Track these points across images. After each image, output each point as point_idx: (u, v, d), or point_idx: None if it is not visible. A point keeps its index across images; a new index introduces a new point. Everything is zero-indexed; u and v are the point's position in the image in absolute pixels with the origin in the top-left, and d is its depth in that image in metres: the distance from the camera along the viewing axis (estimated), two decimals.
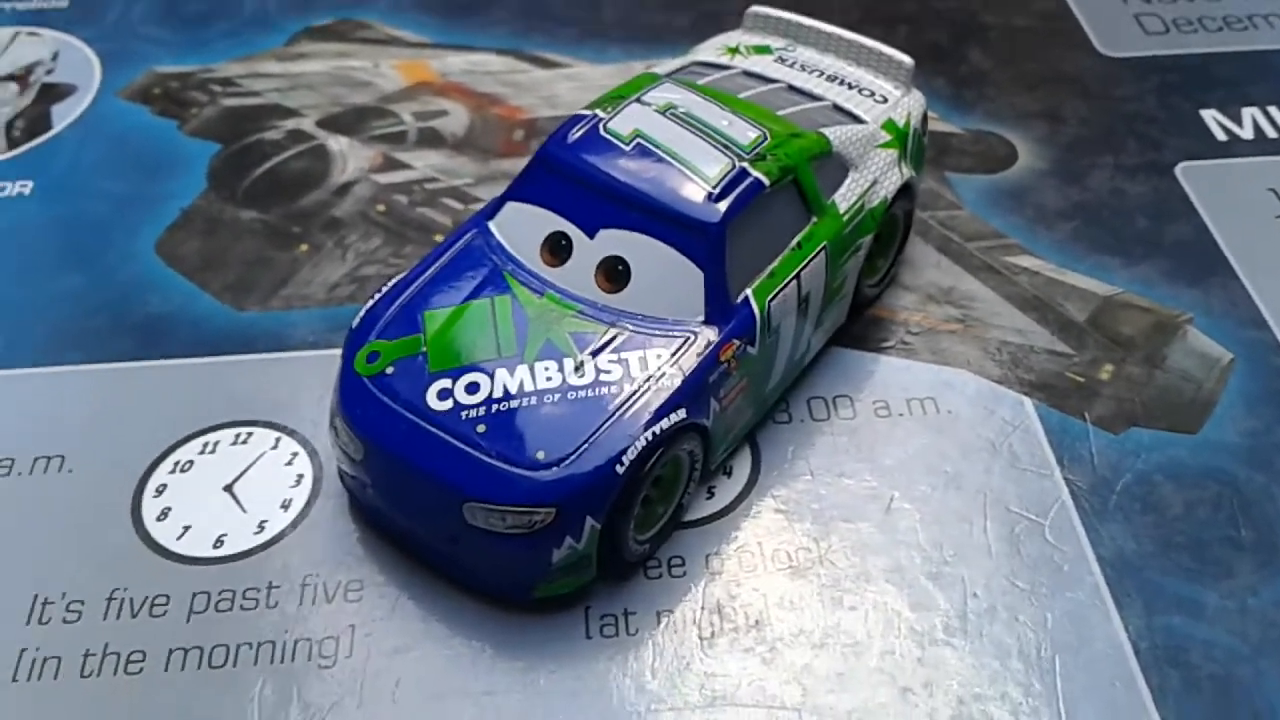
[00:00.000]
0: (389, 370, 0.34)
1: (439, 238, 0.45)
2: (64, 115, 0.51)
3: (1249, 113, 0.51)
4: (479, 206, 0.45)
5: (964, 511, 0.36)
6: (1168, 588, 0.34)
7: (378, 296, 0.36)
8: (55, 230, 0.46)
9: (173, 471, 0.37)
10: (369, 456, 0.33)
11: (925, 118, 0.42)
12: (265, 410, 0.39)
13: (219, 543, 0.35)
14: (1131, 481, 0.37)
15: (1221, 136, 0.49)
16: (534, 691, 0.32)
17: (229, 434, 0.38)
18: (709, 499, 0.36)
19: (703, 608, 0.34)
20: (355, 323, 0.35)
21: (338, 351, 0.38)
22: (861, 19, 0.55)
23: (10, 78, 0.53)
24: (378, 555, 0.35)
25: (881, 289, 0.42)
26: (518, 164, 0.48)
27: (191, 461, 0.37)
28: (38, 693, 0.32)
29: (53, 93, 0.52)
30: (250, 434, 0.38)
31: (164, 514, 0.36)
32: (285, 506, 0.36)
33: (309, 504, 0.36)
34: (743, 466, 0.37)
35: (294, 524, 0.36)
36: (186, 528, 0.36)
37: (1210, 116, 0.50)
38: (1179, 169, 0.48)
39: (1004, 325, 0.41)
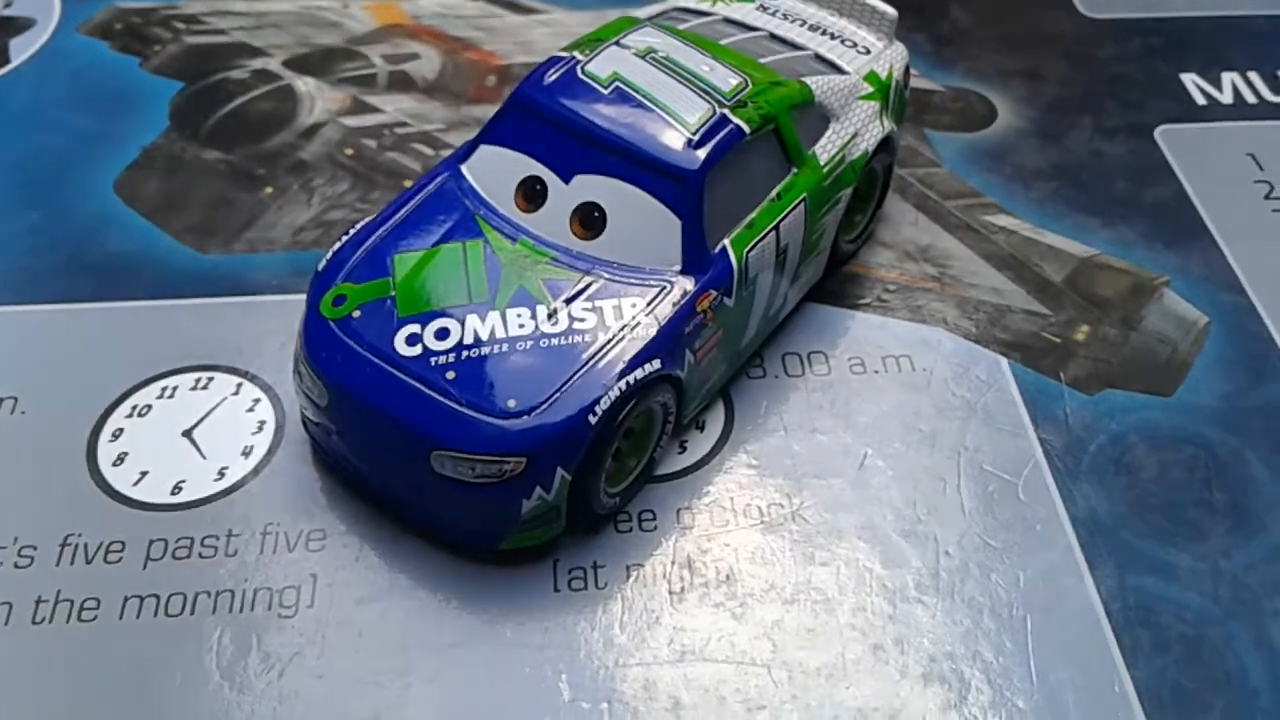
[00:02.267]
0: (356, 314, 0.33)
1: (408, 183, 0.44)
2: (22, 49, 0.50)
3: (1229, 77, 0.50)
4: (449, 153, 0.45)
5: (938, 470, 0.35)
6: (1140, 549, 0.34)
7: (345, 239, 0.35)
8: (11, 167, 0.44)
9: (130, 416, 0.36)
10: (334, 402, 0.32)
11: (907, 71, 0.41)
12: (227, 355, 0.38)
13: (177, 489, 0.34)
14: (1106, 443, 0.36)
15: (1201, 100, 0.49)
16: (500, 644, 0.31)
17: (189, 379, 0.37)
18: (681, 453, 0.36)
19: (673, 562, 0.33)
20: (321, 265, 0.34)
21: (303, 296, 0.37)
22: None
23: None
24: (341, 504, 0.34)
25: (859, 245, 0.42)
26: (490, 110, 0.47)
27: (150, 406, 0.36)
28: None
29: (11, 26, 0.51)
30: (211, 379, 0.37)
31: (120, 459, 0.35)
32: (246, 453, 0.35)
33: (271, 451, 0.35)
34: (715, 421, 0.37)
35: (255, 471, 0.35)
36: (144, 473, 0.35)
37: (1190, 80, 0.50)
38: (1158, 132, 0.47)
39: (981, 284, 0.41)
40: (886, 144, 0.40)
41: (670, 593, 0.32)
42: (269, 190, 0.43)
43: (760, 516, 0.34)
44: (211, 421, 0.36)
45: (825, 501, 0.34)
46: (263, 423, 0.36)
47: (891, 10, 0.41)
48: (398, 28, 0.51)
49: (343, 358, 0.32)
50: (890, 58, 0.40)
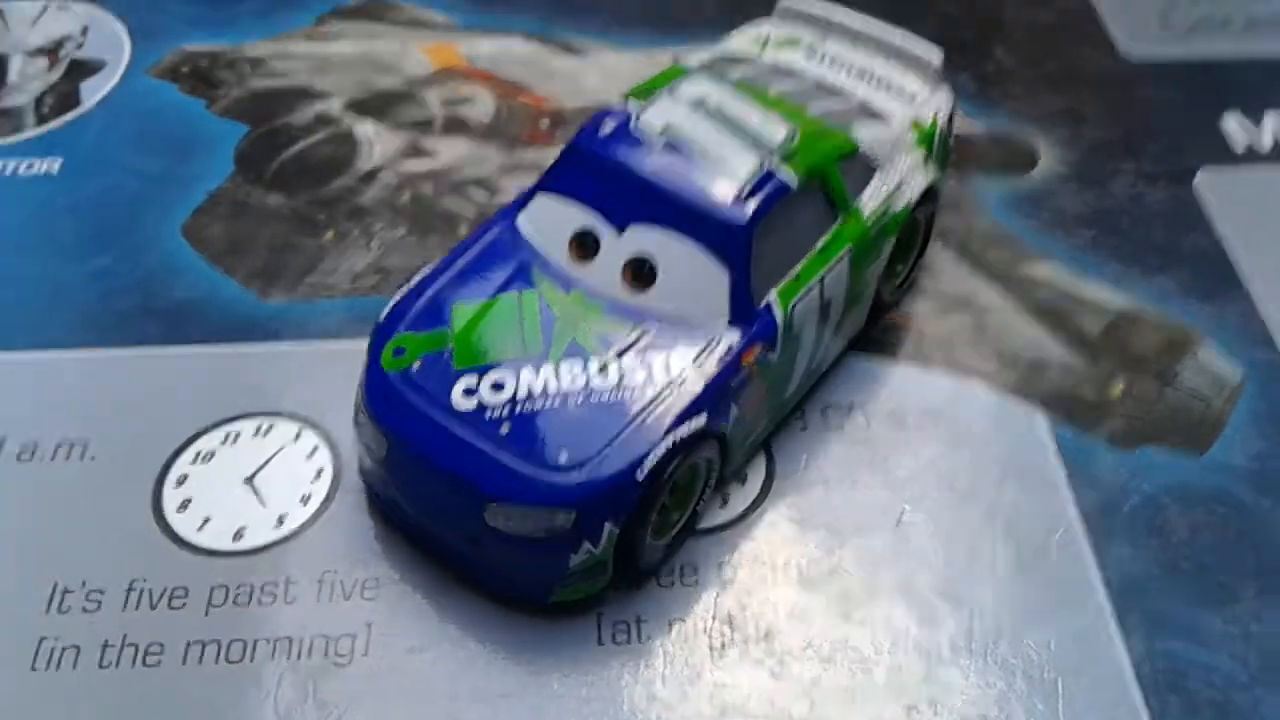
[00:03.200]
0: (415, 366, 0.34)
1: (464, 229, 0.45)
2: (93, 92, 0.51)
3: (1270, 122, 0.50)
4: (504, 198, 0.46)
5: (974, 526, 0.36)
6: (1171, 612, 0.34)
7: (405, 289, 0.36)
8: (83, 210, 0.46)
9: (194, 462, 0.38)
10: (392, 452, 0.34)
11: (952, 117, 0.42)
12: (287, 402, 0.39)
13: (239, 535, 0.36)
14: (1139, 502, 0.37)
15: (1241, 146, 0.49)
16: (547, 695, 0.33)
17: (251, 425, 0.39)
18: (722, 507, 0.37)
19: (714, 617, 0.34)
20: (382, 316, 0.36)
21: (362, 344, 0.38)
22: (886, 12, 0.55)
23: (40, 52, 0.53)
24: (395, 553, 0.36)
25: (900, 295, 0.42)
26: (543, 153, 0.48)
27: (213, 452, 0.38)
28: (56, 682, 0.33)
29: (82, 68, 0.52)
30: (272, 426, 0.39)
31: (184, 505, 0.37)
32: (305, 501, 0.37)
33: (328, 499, 0.37)
34: (757, 473, 0.38)
35: (313, 519, 0.36)
36: (207, 519, 0.36)
37: (1231, 124, 0.50)
38: (1198, 177, 0.48)
39: (1019, 336, 0.42)
40: (930, 193, 0.40)
41: (711, 649, 0.34)
42: (330, 235, 0.45)
43: (800, 573, 0.35)
44: (272, 468, 0.38)
45: (863, 558, 0.35)
46: (320, 470, 0.38)
47: (937, 56, 0.42)
48: (454, 70, 0.52)
49: (402, 410, 0.33)
50: (935, 104, 0.41)
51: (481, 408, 0.33)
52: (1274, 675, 0.33)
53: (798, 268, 0.36)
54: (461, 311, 0.35)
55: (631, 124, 0.37)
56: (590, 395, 0.33)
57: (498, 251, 0.36)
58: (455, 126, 0.50)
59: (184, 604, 0.34)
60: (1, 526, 0.36)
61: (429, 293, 0.36)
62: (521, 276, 0.36)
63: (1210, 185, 0.47)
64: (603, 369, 0.33)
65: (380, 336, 0.35)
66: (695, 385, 0.33)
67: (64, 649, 0.33)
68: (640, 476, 0.32)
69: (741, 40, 0.43)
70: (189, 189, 0.47)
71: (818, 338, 0.37)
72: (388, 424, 0.33)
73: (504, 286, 0.35)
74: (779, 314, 0.35)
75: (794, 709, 0.32)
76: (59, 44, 0.54)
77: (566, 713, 0.32)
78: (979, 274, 0.44)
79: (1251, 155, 0.49)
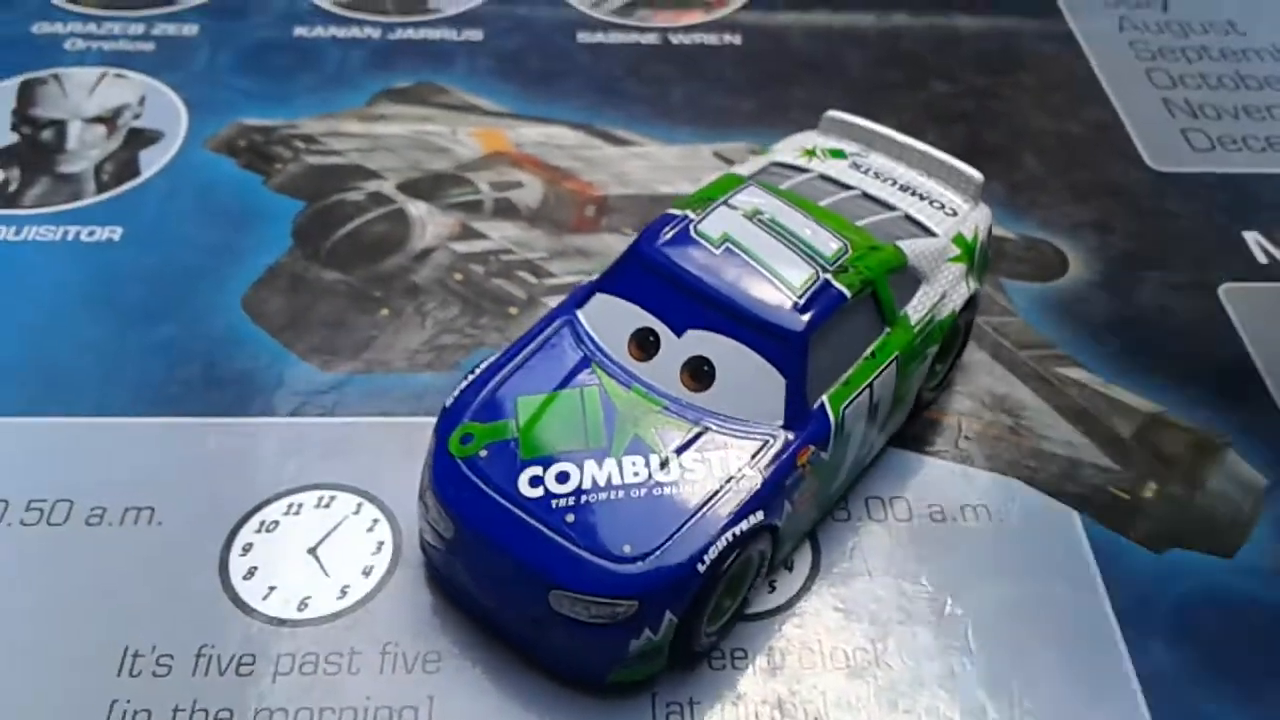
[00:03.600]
0: (482, 454, 0.35)
1: (513, 310, 0.47)
2: (151, 162, 0.53)
3: None
4: (552, 282, 0.48)
5: (1013, 619, 0.38)
6: (1204, 711, 0.36)
7: (471, 378, 0.37)
8: (144, 278, 0.47)
9: (259, 531, 0.39)
10: (459, 535, 0.35)
11: (990, 231, 0.44)
12: (348, 475, 0.40)
13: (303, 605, 0.37)
14: (1172, 602, 0.38)
15: (1263, 259, 0.51)
16: None
17: (312, 496, 0.40)
18: (771, 592, 0.38)
19: (764, 702, 0.35)
20: (449, 402, 0.37)
21: (419, 420, 0.40)
22: (920, 116, 0.57)
23: (98, 119, 0.55)
24: (455, 628, 0.37)
25: (938, 393, 0.44)
26: (590, 240, 0.50)
27: (277, 522, 0.39)
28: None
29: (140, 138, 0.54)
30: (334, 498, 0.40)
31: (250, 573, 0.38)
32: (366, 573, 0.38)
33: (389, 572, 0.38)
34: (803, 562, 0.39)
35: (375, 591, 0.37)
36: (272, 588, 0.37)
37: (1253, 239, 0.52)
38: (1222, 289, 0.50)
39: (1054, 437, 0.43)
40: (970, 301, 0.42)
41: None
42: (385, 312, 0.46)
43: (846, 661, 0.36)
44: (334, 540, 0.39)
45: (908, 648, 0.37)
46: (381, 543, 0.39)
47: (977, 175, 0.43)
48: (502, 155, 0.54)
49: (470, 495, 0.35)
50: (976, 220, 0.43)
51: (548, 496, 0.34)
52: None
53: (849, 373, 0.38)
54: (526, 404, 0.36)
55: (691, 231, 0.38)
56: (653, 489, 0.34)
57: (559, 346, 0.38)
58: (505, 210, 0.51)
59: (251, 671, 0.35)
60: (73, 588, 0.37)
61: (493, 383, 0.37)
62: (582, 371, 0.37)
63: (1235, 296, 0.49)
64: (664, 464, 0.35)
65: (447, 423, 0.36)
66: (753, 483, 0.34)
67: (135, 713, 0.34)
68: (701, 569, 0.33)
69: (789, 149, 0.44)
70: (247, 262, 0.48)
71: (865, 436, 0.39)
72: (455, 508, 0.35)
73: (566, 381, 0.37)
74: (831, 417, 0.36)
75: None
76: (117, 112, 0.55)
77: None
78: (1013, 375, 0.46)
79: (1274, 267, 0.51)
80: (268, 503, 0.40)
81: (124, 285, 0.47)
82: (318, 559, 0.38)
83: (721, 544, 0.33)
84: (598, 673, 0.35)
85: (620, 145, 0.55)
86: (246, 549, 0.38)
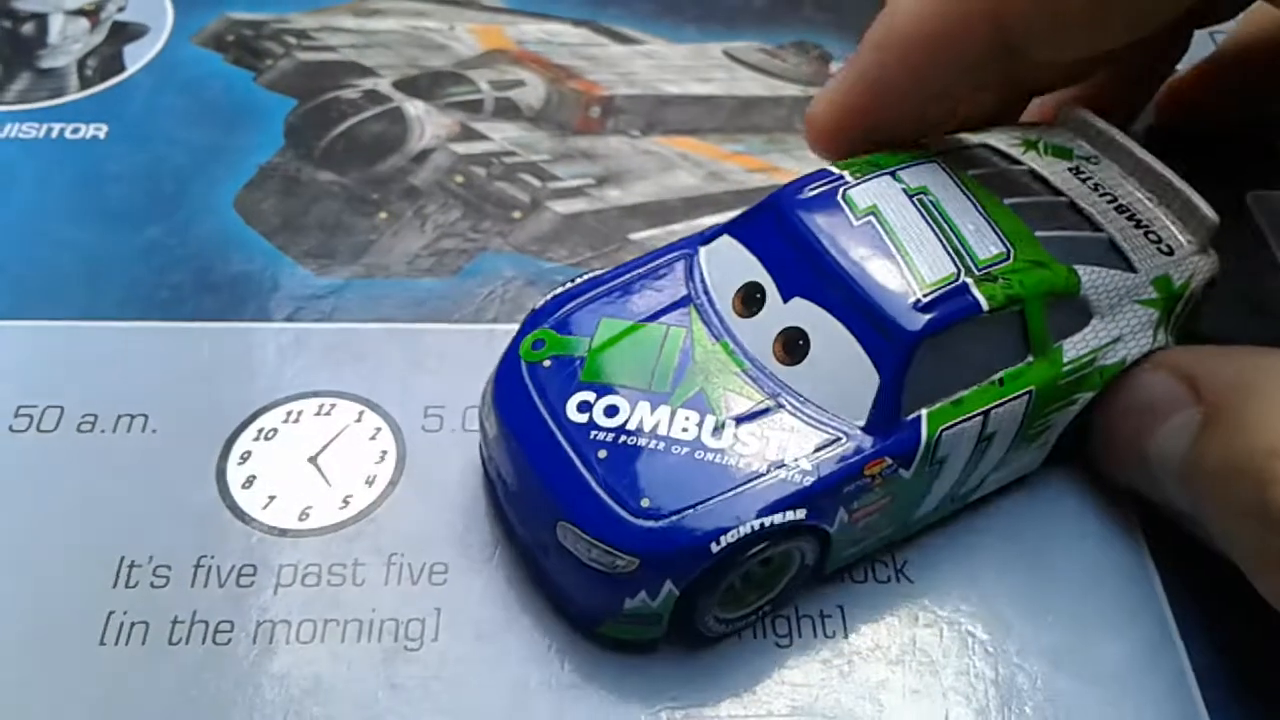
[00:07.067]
0: (547, 363, 0.34)
1: (517, 214, 0.45)
2: (137, 57, 0.51)
3: None
4: (556, 185, 0.46)
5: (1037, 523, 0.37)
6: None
7: (569, 285, 0.35)
8: (130, 180, 0.45)
9: (257, 439, 0.37)
10: (498, 435, 0.34)
11: (1211, 284, 0.37)
12: (348, 382, 0.39)
13: (304, 515, 0.36)
14: None
15: None
16: (613, 686, 0.33)
17: (312, 404, 0.38)
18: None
19: (779, 615, 0.34)
20: (538, 304, 0.35)
21: (418, 326, 0.39)
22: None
23: (80, 12, 0.53)
24: (463, 539, 0.36)
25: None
26: (595, 142, 0.48)
27: (275, 430, 0.38)
28: (125, 657, 0.33)
29: (124, 32, 0.52)
30: (334, 405, 0.38)
31: (249, 481, 0.36)
32: (370, 483, 0.37)
33: (393, 482, 0.37)
34: None
35: (379, 501, 0.36)
36: (272, 498, 0.36)
37: None
38: None
39: None
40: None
41: (778, 647, 0.34)
42: (383, 215, 0.45)
43: (868, 574, 0.35)
44: (335, 448, 0.37)
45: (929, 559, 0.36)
46: (385, 452, 0.37)
47: (1213, 215, 0.37)
48: (502, 52, 0.52)
49: (519, 400, 0.33)
50: (1194, 266, 0.37)
51: (590, 425, 0.32)
52: None
53: (964, 393, 0.33)
54: (608, 326, 0.34)
55: (839, 194, 0.34)
56: (695, 451, 0.32)
57: (667, 277, 0.35)
58: (506, 110, 0.49)
59: (252, 582, 0.34)
60: (66, 497, 0.36)
61: (586, 296, 0.35)
62: (678, 310, 0.35)
63: None
64: (718, 429, 0.32)
65: (529, 323, 0.35)
66: (804, 477, 0.31)
67: (133, 624, 0.33)
68: (715, 549, 0.30)
69: (1010, 133, 0.39)
70: (238, 162, 0.46)
71: (969, 468, 0.34)
72: (502, 409, 0.33)
73: (658, 315, 0.34)
74: (924, 434, 0.32)
75: (860, 710, 0.33)
76: (99, 5, 0.53)
77: (637, 708, 0.32)
78: None
79: None
80: (266, 410, 0.38)
81: (111, 185, 0.45)
82: (319, 468, 0.37)
83: (746, 530, 0.30)
84: (590, 620, 0.33)
85: (626, 43, 0.53)
86: (245, 457, 0.37)
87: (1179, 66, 0.50)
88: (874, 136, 0.37)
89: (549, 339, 0.34)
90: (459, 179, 0.46)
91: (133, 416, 0.38)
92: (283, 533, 0.35)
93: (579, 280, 0.36)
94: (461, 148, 0.47)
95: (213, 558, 0.35)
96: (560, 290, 0.35)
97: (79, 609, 0.33)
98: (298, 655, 0.33)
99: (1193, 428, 0.33)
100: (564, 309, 0.35)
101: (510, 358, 0.34)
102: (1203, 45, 0.52)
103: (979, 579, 0.35)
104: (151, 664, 0.33)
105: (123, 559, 0.35)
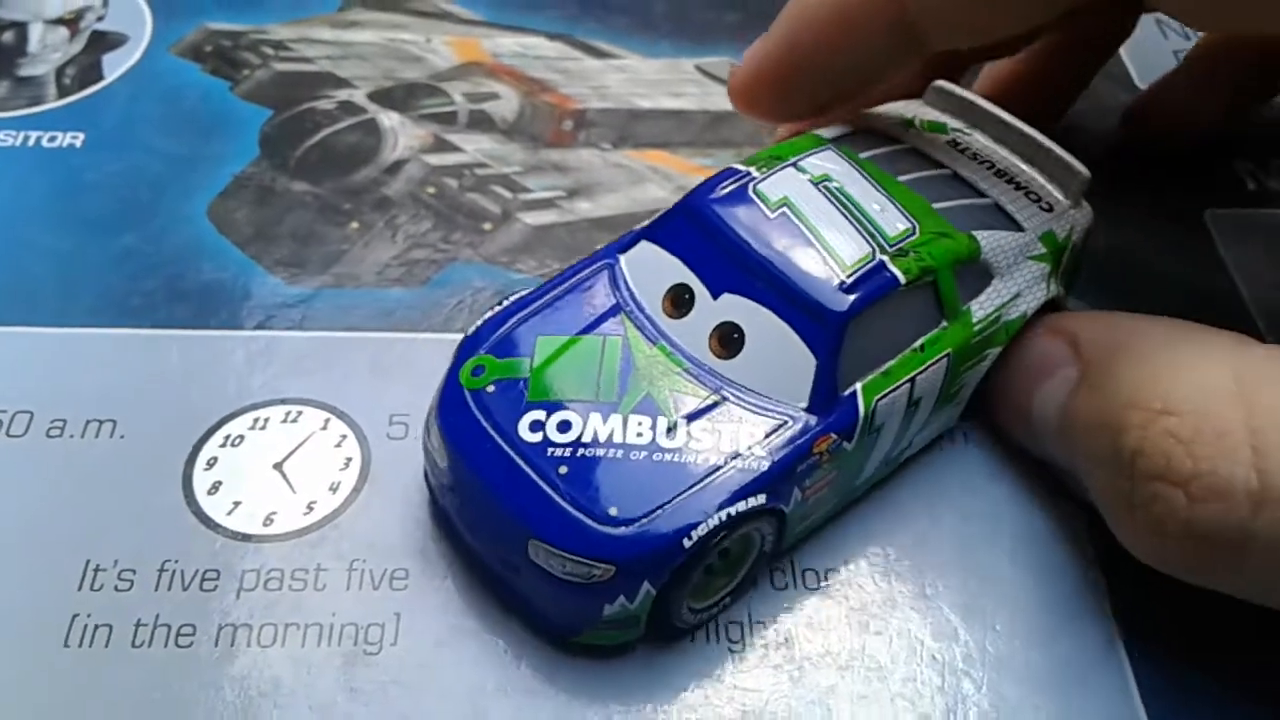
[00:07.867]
0: (490, 388, 0.34)
1: (487, 225, 0.46)
2: (115, 66, 0.51)
3: None
4: (527, 197, 0.47)
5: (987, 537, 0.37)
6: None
7: (498, 308, 0.36)
8: (106, 187, 0.46)
9: (223, 445, 0.38)
10: (451, 467, 0.34)
11: (1088, 234, 0.40)
12: (315, 390, 0.40)
13: (269, 520, 0.36)
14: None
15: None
16: (571, 690, 0.33)
17: (279, 411, 0.39)
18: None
19: (733, 621, 0.35)
20: (471, 330, 0.36)
21: (387, 335, 0.39)
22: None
23: (60, 21, 0.53)
24: (424, 546, 0.36)
25: None
26: (566, 154, 0.49)
27: (242, 436, 0.38)
28: (89, 659, 0.33)
29: (103, 41, 0.52)
30: (300, 413, 0.39)
31: (215, 487, 0.37)
32: (333, 489, 0.37)
33: (356, 489, 0.37)
34: None
35: (342, 507, 0.37)
36: (237, 503, 0.37)
37: None
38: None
39: None
40: (1051, 307, 0.38)
41: (731, 653, 0.34)
42: (355, 225, 0.45)
43: (818, 581, 0.36)
44: (301, 455, 0.38)
45: (880, 570, 0.36)
46: (349, 459, 0.38)
47: (1085, 171, 0.38)
48: (478, 65, 0.53)
49: (469, 429, 0.34)
50: (1073, 220, 0.39)
51: (545, 443, 0.33)
52: None
53: (890, 363, 0.35)
54: (545, 344, 0.35)
55: (750, 190, 0.36)
56: (653, 454, 0.32)
57: (593, 289, 0.36)
58: (479, 122, 0.50)
59: (215, 586, 0.35)
60: (33, 500, 0.36)
61: (517, 317, 0.36)
62: (610, 319, 0.35)
63: None
64: (671, 429, 0.33)
65: (463, 351, 0.35)
66: (760, 464, 0.32)
67: (96, 627, 0.34)
68: (687, 544, 0.31)
69: (886, 116, 0.41)
70: (213, 171, 0.47)
71: (900, 432, 0.36)
72: (452, 439, 0.34)
73: (591, 326, 0.35)
74: (861, 407, 0.34)
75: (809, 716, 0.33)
76: (79, 14, 0.54)
77: (593, 712, 0.33)
78: None
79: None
80: (233, 416, 0.39)
81: (86, 193, 0.46)
82: (284, 474, 0.38)
83: (713, 522, 0.32)
84: (568, 631, 0.34)
85: (600, 57, 0.54)
86: (211, 463, 0.38)
87: (1142, 85, 0.51)
88: (789, 104, 0.41)
89: (489, 364, 0.35)
90: (431, 190, 0.47)
91: (101, 422, 0.38)
92: (246, 538, 0.36)
93: (506, 303, 0.36)
94: (434, 159, 0.48)
95: (177, 562, 0.35)
96: (490, 314, 0.36)
97: (44, 611, 0.34)
98: (257, 658, 0.33)
99: (1070, 384, 0.35)
100: (498, 332, 0.35)
101: (451, 386, 0.34)
102: (1165, 60, 0.53)
103: (927, 589, 0.36)
104: (115, 666, 0.33)
105: (88, 562, 0.35)
